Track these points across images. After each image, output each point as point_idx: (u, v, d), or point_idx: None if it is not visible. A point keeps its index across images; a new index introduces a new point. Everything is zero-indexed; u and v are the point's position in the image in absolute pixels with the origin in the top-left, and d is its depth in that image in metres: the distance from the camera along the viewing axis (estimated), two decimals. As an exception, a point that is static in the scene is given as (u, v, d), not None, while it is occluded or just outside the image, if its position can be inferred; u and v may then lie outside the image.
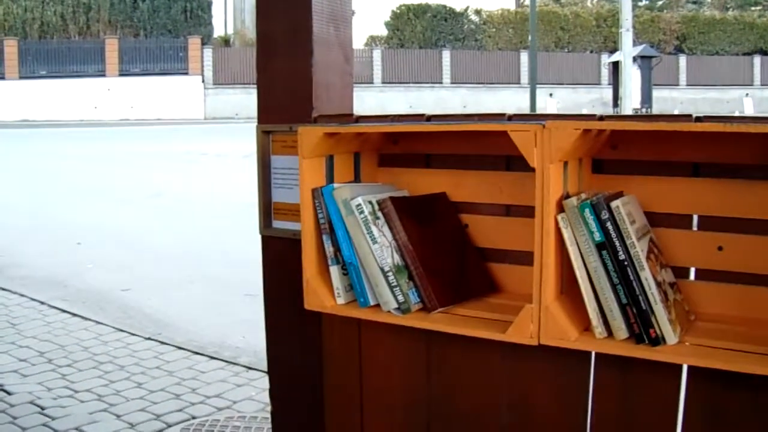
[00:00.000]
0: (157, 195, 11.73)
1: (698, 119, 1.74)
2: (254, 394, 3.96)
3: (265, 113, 2.34)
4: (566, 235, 1.66)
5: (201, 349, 4.70)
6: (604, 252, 1.63)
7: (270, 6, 2.33)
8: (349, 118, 2.22)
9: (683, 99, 36.20)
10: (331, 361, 2.27)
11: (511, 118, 1.94)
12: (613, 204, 1.63)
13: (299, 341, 2.35)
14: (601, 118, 1.81)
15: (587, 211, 1.63)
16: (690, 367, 1.73)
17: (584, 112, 32.46)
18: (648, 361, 1.66)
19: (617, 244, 1.62)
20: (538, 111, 25.82)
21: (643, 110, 26.21)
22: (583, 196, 1.70)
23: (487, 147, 1.98)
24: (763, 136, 1.66)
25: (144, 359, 4.50)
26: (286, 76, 2.28)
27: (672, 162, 1.84)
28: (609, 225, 1.62)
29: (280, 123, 2.28)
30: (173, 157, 17.21)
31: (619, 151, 1.88)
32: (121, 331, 5.07)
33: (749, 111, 33.23)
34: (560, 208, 1.69)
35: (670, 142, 1.81)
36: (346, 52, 2.37)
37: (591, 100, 34.88)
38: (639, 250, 1.62)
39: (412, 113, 2.12)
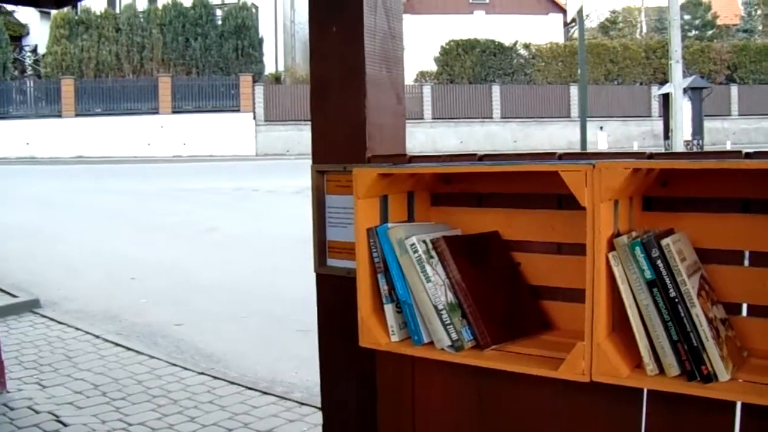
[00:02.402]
0: (209, 231, 11.86)
1: (747, 155, 1.75)
2: (306, 429, 3.98)
3: (320, 153, 2.39)
4: (617, 273, 1.68)
5: (253, 384, 4.74)
6: (655, 289, 1.64)
7: (323, 48, 2.38)
8: (402, 158, 2.26)
9: (736, 129, 35.67)
10: (385, 397, 2.30)
11: (562, 157, 1.96)
12: (664, 242, 1.64)
13: (354, 378, 2.38)
14: (651, 156, 1.83)
15: (638, 249, 1.65)
16: (743, 405, 1.74)
17: (635, 144, 32.18)
18: (700, 399, 1.66)
19: (668, 281, 1.64)
20: (589, 144, 25.63)
21: (695, 142, 25.91)
22: (634, 234, 1.72)
23: (538, 186, 2.01)
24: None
25: (197, 393, 4.55)
26: (340, 117, 2.33)
27: (722, 198, 1.84)
28: (659, 263, 1.64)
29: (334, 163, 2.33)
30: (225, 193, 17.39)
31: (669, 189, 1.90)
32: (174, 365, 5.13)
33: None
34: (611, 247, 1.70)
35: (720, 179, 1.82)
36: (398, 93, 2.42)
37: (642, 132, 34.52)
38: (690, 287, 1.63)
39: (464, 152, 2.16)
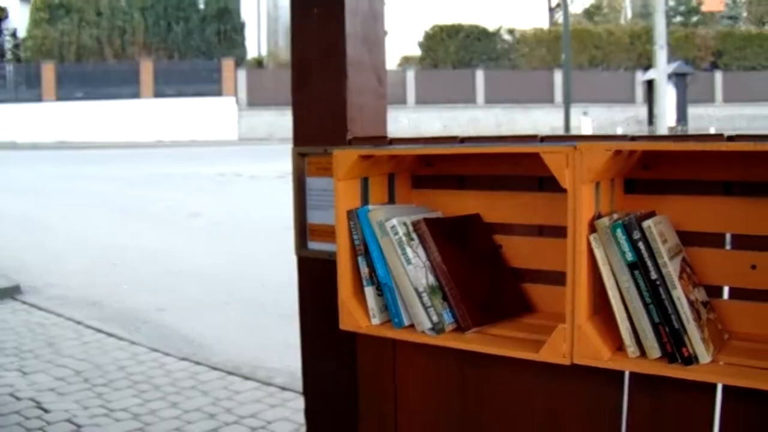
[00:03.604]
0: (192, 216, 11.83)
1: (730, 138, 1.75)
2: (289, 414, 3.98)
3: (301, 136, 2.38)
4: (598, 255, 1.69)
5: (236, 369, 4.74)
6: (636, 272, 1.65)
7: (304, 30, 2.37)
8: (383, 140, 2.26)
9: (720, 116, 35.80)
10: (366, 380, 2.30)
11: (544, 139, 1.96)
12: (645, 224, 1.65)
13: (335, 361, 2.38)
14: (633, 138, 1.83)
15: (619, 231, 1.65)
16: (725, 387, 1.74)
17: (619, 130, 32.28)
18: (682, 381, 1.66)
19: (649, 263, 1.64)
20: (573, 130, 25.72)
21: (679, 128, 26.04)
22: (615, 216, 1.72)
23: (519, 168, 2.01)
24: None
25: (179, 379, 4.55)
26: (321, 99, 2.32)
27: (704, 181, 1.85)
28: (641, 245, 1.64)
29: (315, 145, 2.32)
30: (208, 178, 17.35)
31: (651, 171, 1.90)
32: (156, 351, 5.12)
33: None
34: (592, 229, 1.71)
35: (702, 162, 1.82)
36: (379, 75, 2.41)
37: (626, 118, 34.62)
38: (671, 269, 1.64)
39: (446, 135, 2.15)
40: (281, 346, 5.15)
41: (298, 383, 2.64)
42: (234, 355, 5.18)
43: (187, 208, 12.61)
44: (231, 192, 15.22)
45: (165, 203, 13.27)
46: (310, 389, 2.51)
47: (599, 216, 1.73)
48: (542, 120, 33.58)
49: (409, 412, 2.23)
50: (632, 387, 1.88)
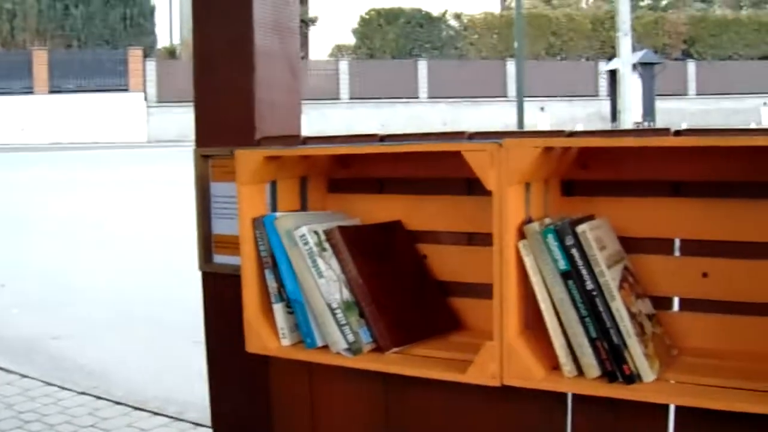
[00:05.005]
0: (93, 227, 11.70)
1: (677, 133, 1.81)
2: (202, 453, 3.98)
3: (204, 136, 2.40)
4: (528, 263, 1.72)
5: (143, 404, 4.70)
6: (570, 281, 1.69)
7: (207, 15, 2.39)
8: (295, 139, 2.28)
9: (693, 110, 36.42)
10: (280, 410, 2.31)
11: (472, 136, 2.00)
12: (579, 229, 1.69)
13: (245, 388, 2.39)
14: (571, 134, 1.88)
15: (551, 236, 1.70)
16: (678, 408, 1.79)
17: (578, 127, 32.68)
18: (630, 402, 1.70)
19: (584, 272, 1.68)
20: (528, 128, 25.91)
21: (645, 124, 26.43)
22: (548, 221, 1.76)
23: (446, 169, 2.03)
24: (749, 150, 1.73)
25: (77, 416, 4.49)
26: (226, 94, 2.34)
27: (650, 181, 1.90)
28: (574, 251, 1.68)
29: (220, 146, 2.33)
30: (113, 184, 17.16)
31: (591, 171, 1.94)
32: (51, 385, 5.04)
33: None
34: (522, 235, 1.74)
35: (648, 159, 1.87)
36: (292, 67, 2.43)
37: (588, 113, 35.04)
38: (609, 278, 1.68)
39: (363, 134, 2.18)
40: (195, 376, 5.11)
41: (213, 418, 2.65)
42: (140, 386, 5.13)
43: (88, 218, 12.46)
44: (138, 200, 15.07)
45: (62, 213, 13.10)
46: (219, 422, 2.52)
47: (530, 221, 1.77)
48: (494, 116, 33.78)
49: (330, 442, 2.25)
50: (576, 409, 1.92)
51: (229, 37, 2.33)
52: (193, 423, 4.35)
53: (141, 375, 5.40)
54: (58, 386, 5.01)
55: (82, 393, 4.87)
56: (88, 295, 7.76)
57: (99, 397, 4.80)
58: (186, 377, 5.23)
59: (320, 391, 2.23)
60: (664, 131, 1.83)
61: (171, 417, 4.47)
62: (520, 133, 1.87)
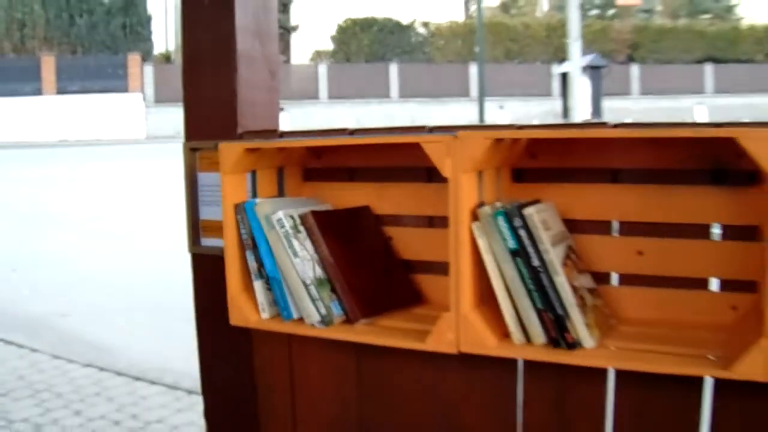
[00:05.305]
0: (98, 218, 11.64)
1: (615, 126, 1.83)
2: (196, 418, 3.96)
3: (192, 131, 2.40)
4: (481, 243, 1.74)
5: (142, 374, 4.69)
6: (518, 259, 1.70)
7: (194, 23, 2.38)
8: (273, 133, 2.28)
9: (636, 108, 36.56)
10: (263, 377, 2.32)
11: (432, 130, 2.01)
12: (526, 211, 1.70)
13: (230, 359, 2.39)
14: (521, 127, 1.89)
15: (500, 218, 1.71)
16: (617, 372, 1.81)
17: (534, 123, 32.76)
18: (575, 367, 1.72)
19: (531, 250, 1.69)
20: (488, 124, 26.00)
21: (594, 121, 26.53)
22: (498, 204, 1.76)
23: (408, 159, 2.04)
24: (678, 141, 1.75)
25: (83, 386, 4.48)
26: (211, 93, 2.34)
27: (591, 169, 1.92)
28: (522, 232, 1.70)
29: (206, 140, 2.33)
30: (115, 178, 17.08)
31: (538, 160, 1.96)
32: (59, 358, 5.03)
33: (702, 119, 33.76)
34: (475, 217, 1.76)
35: (589, 149, 1.89)
36: (272, 68, 2.43)
37: (543, 111, 35.12)
38: (553, 256, 1.70)
39: (335, 128, 2.19)
40: (188, 349, 5.11)
41: (205, 386, 2.65)
42: (140, 359, 5.12)
43: (93, 209, 12.39)
44: (138, 192, 15.00)
45: (69, 205, 13.02)
46: (209, 389, 2.53)
47: (482, 204, 1.78)
48: (458, 114, 33.82)
49: (308, 406, 2.25)
50: (527, 375, 1.93)
51: (214, 42, 2.33)
52: (187, 391, 4.35)
53: (141, 349, 5.39)
54: (66, 359, 5.00)
55: (87, 365, 4.86)
56: (93, 279, 7.73)
57: (102, 369, 4.79)
58: (181, 350, 5.21)
59: (299, 360, 2.24)
60: (603, 124, 1.84)
61: (167, 386, 4.48)
62: (474, 127, 1.87)
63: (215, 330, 2.37)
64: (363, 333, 1.93)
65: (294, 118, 28.88)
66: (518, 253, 1.70)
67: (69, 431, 3.83)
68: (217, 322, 2.31)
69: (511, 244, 1.71)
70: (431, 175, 2.05)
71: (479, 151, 1.71)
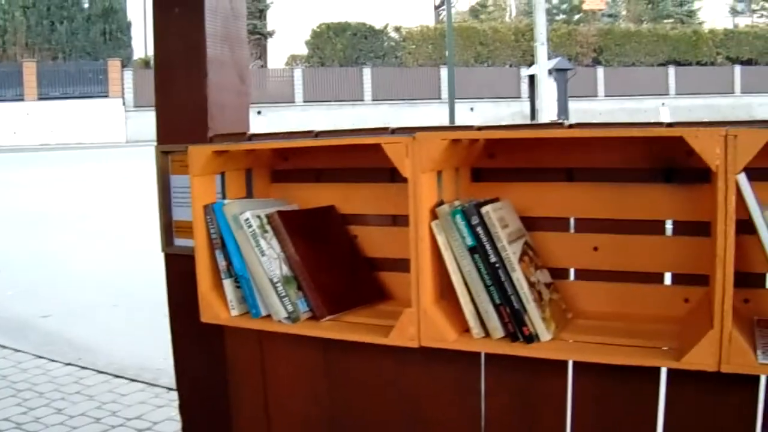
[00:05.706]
0: (80, 219, 11.56)
1: (570, 126, 1.84)
2: (174, 414, 3.93)
3: (164, 134, 2.40)
4: (440, 240, 1.75)
5: (121, 371, 4.67)
6: (476, 255, 1.71)
7: (165, 29, 2.38)
8: (242, 136, 2.28)
9: (602, 110, 36.70)
10: (235, 372, 2.32)
11: (395, 131, 2.02)
12: (484, 210, 1.71)
13: (204, 355, 2.40)
14: (479, 128, 1.91)
15: (458, 216, 1.72)
16: (575, 364, 1.83)
17: (497, 124, 32.84)
18: (535, 360, 1.73)
19: (488, 247, 1.71)
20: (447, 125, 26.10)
21: (560, 121, 26.66)
22: (457, 203, 1.78)
23: (372, 160, 2.04)
24: (630, 141, 1.77)
25: (64, 385, 4.46)
26: (182, 97, 2.34)
27: (547, 168, 1.93)
28: (479, 229, 1.71)
29: (178, 143, 2.33)
30: (97, 180, 16.98)
31: (497, 160, 1.97)
32: (41, 357, 4.99)
33: (666, 120, 33.90)
34: (434, 216, 1.77)
35: (545, 149, 1.90)
36: (241, 72, 2.43)
37: (512, 113, 35.18)
38: (510, 252, 1.71)
39: (301, 130, 2.19)
40: (167, 347, 5.09)
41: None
42: (120, 357, 5.10)
43: (75, 210, 12.31)
44: (121, 193, 14.91)
45: (52, 206, 12.93)
46: (183, 385, 2.53)
47: (441, 203, 1.79)
48: (430, 116, 33.82)
49: (279, 400, 2.26)
50: (488, 367, 1.95)
51: (185, 47, 2.33)
52: (166, 387, 4.34)
53: (121, 347, 5.36)
54: (48, 359, 4.97)
55: (68, 364, 4.84)
56: (75, 279, 7.68)
57: (83, 367, 4.77)
58: (160, 348, 5.17)
59: (269, 356, 2.25)
60: (559, 125, 1.86)
61: (146, 383, 4.46)
62: (433, 128, 1.88)
63: (188, 328, 2.37)
64: (328, 329, 1.93)
65: (270, 121, 28.81)
66: (476, 250, 1.71)
67: (50, 429, 3.81)
68: (189, 320, 2.31)
69: (469, 241, 1.72)
70: (394, 175, 2.04)
71: (437, 152, 1.72)
